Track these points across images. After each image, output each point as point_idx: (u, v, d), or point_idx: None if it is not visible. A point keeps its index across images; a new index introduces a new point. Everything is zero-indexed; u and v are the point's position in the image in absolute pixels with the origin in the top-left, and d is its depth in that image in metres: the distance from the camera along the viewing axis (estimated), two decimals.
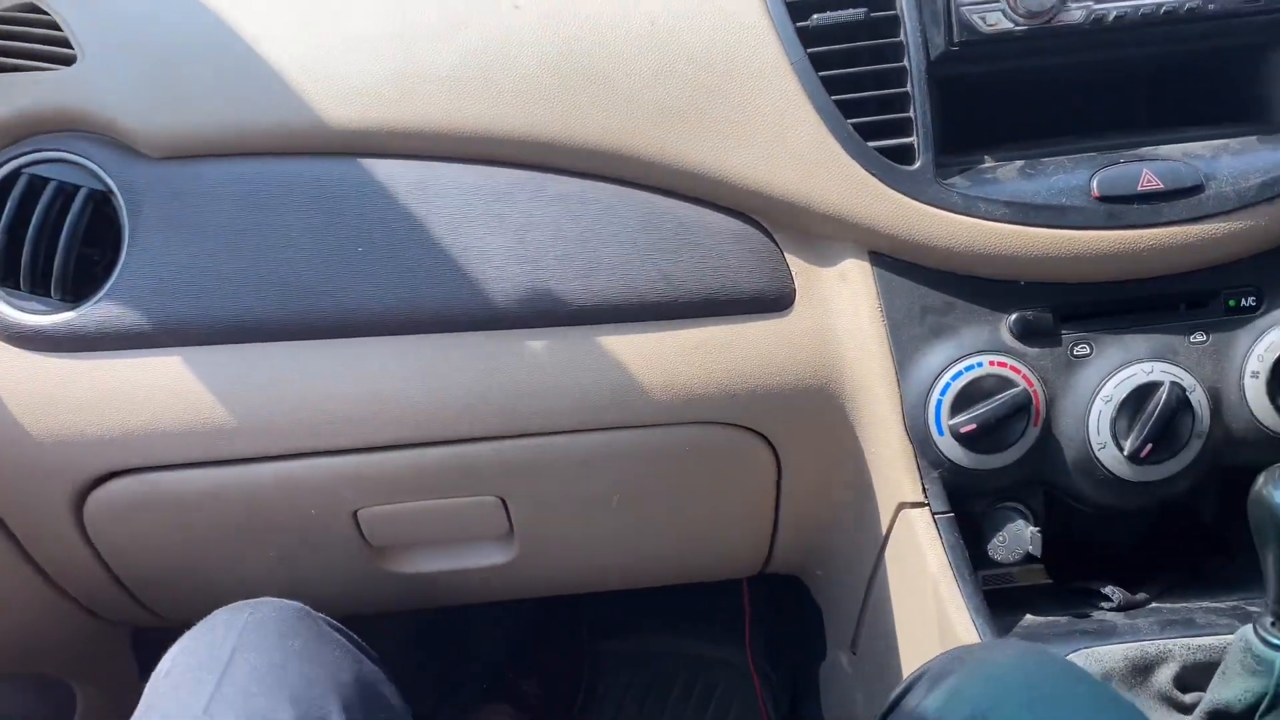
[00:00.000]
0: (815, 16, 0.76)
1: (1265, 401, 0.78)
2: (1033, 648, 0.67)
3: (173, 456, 0.81)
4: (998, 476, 0.79)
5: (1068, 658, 0.73)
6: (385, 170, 0.79)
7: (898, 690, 0.68)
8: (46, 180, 0.79)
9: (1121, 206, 0.75)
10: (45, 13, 0.83)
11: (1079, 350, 0.78)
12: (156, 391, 0.78)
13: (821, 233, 0.79)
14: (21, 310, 0.78)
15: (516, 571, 0.96)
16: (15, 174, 0.79)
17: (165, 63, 0.80)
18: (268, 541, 0.89)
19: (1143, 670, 0.75)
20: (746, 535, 0.96)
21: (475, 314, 0.78)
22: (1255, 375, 0.78)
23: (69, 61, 0.80)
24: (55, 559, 0.90)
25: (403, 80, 0.78)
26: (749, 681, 1.39)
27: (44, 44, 0.81)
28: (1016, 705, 0.59)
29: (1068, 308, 0.78)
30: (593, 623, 1.45)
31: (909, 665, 0.86)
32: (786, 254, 0.80)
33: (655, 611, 1.43)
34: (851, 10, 0.76)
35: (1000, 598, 0.84)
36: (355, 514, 0.87)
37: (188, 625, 0.70)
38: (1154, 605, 0.82)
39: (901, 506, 0.81)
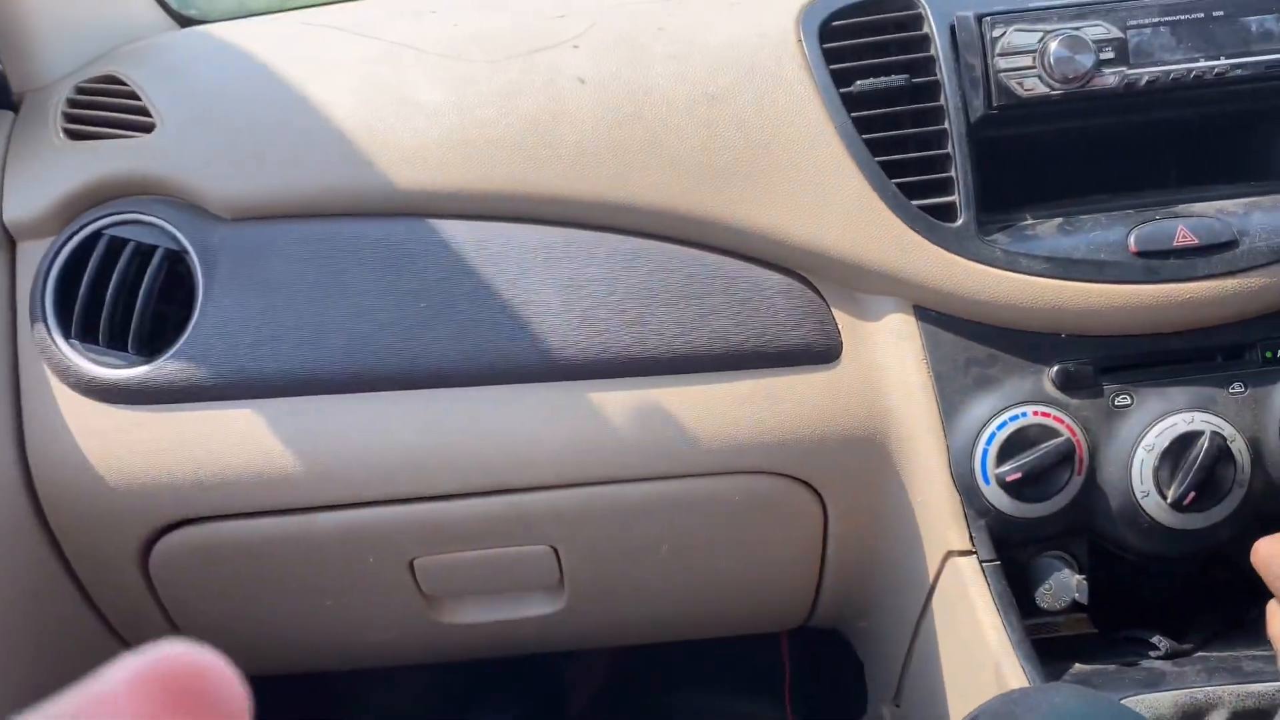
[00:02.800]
0: (859, 83, 0.80)
1: None
2: (1088, 692, 0.68)
3: (238, 505, 0.83)
4: (1043, 525, 0.81)
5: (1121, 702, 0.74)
6: (446, 230, 0.82)
7: None
8: (126, 241, 0.83)
9: (1158, 261, 0.78)
10: (125, 84, 0.88)
11: (1120, 401, 0.80)
12: (225, 442, 0.81)
13: (867, 288, 0.82)
14: (99, 364, 0.82)
15: (564, 622, 0.98)
16: (97, 235, 0.83)
17: (237, 130, 0.85)
18: (325, 590, 0.91)
19: (1193, 717, 0.75)
20: (793, 585, 0.98)
21: (531, 366, 0.81)
22: None
23: (148, 129, 0.85)
24: (119, 607, 0.92)
25: (463, 145, 0.82)
26: None
27: (124, 113, 0.86)
28: None
29: (1108, 360, 0.80)
30: (628, 678, 1.45)
31: (956, 715, 0.87)
32: (833, 308, 0.83)
33: (691, 666, 1.43)
34: (894, 77, 0.80)
35: (1046, 647, 0.84)
36: (411, 563, 0.89)
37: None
38: (1200, 654, 0.83)
39: (949, 555, 0.83)
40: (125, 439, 0.82)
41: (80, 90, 0.89)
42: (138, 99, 0.87)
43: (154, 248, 0.83)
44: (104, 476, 0.82)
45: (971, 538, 0.81)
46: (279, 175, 0.84)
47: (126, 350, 0.82)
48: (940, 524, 0.82)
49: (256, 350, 0.82)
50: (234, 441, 0.82)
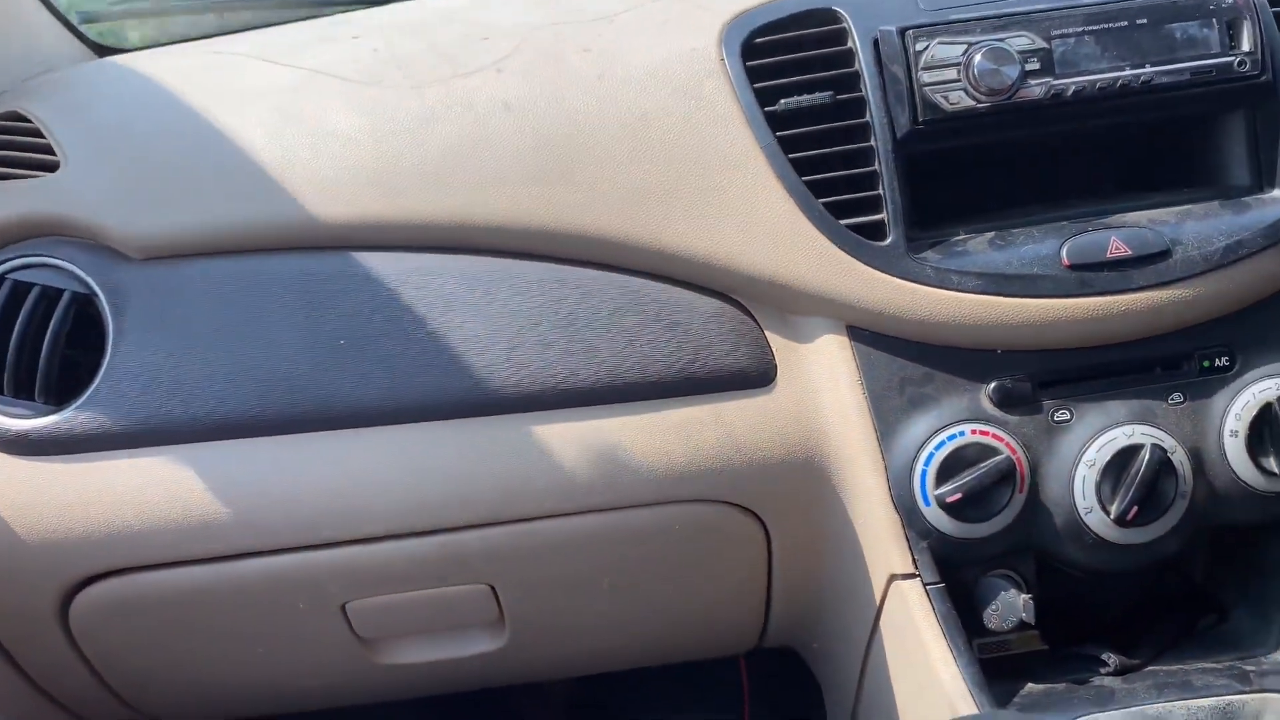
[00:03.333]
0: (783, 101, 0.78)
1: (1245, 459, 0.78)
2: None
3: (158, 556, 0.80)
4: (987, 544, 0.80)
5: None
6: (366, 263, 0.80)
7: None
8: (30, 285, 0.79)
9: (1092, 274, 0.76)
10: (29, 120, 0.84)
11: (1059, 416, 0.79)
12: (142, 491, 0.78)
13: (799, 309, 0.80)
14: (4, 415, 0.79)
15: (508, 658, 0.95)
16: None
17: (146, 166, 0.82)
18: (255, 637, 0.88)
19: None
20: (740, 611, 0.96)
21: (459, 402, 0.79)
22: (1234, 434, 0.79)
23: (52, 168, 0.82)
24: (40, 663, 0.89)
25: (381, 174, 0.80)
26: None
27: (28, 151, 0.82)
28: None
29: (1046, 375, 0.79)
30: (586, 703, 1.43)
31: None
32: (766, 331, 0.81)
33: (650, 690, 1.41)
34: (818, 94, 0.78)
35: (997, 666, 0.83)
36: (343, 607, 0.86)
37: None
38: (1150, 668, 0.82)
39: (893, 578, 0.81)
40: (36, 491, 0.78)
41: None
42: (42, 136, 0.83)
43: (61, 291, 0.80)
44: (15, 531, 0.78)
45: (915, 560, 0.80)
46: (190, 212, 0.81)
47: (34, 399, 0.79)
48: (882, 547, 0.81)
49: (171, 395, 0.79)
50: (151, 491, 0.78)
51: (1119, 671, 0.82)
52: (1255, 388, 0.79)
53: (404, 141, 0.80)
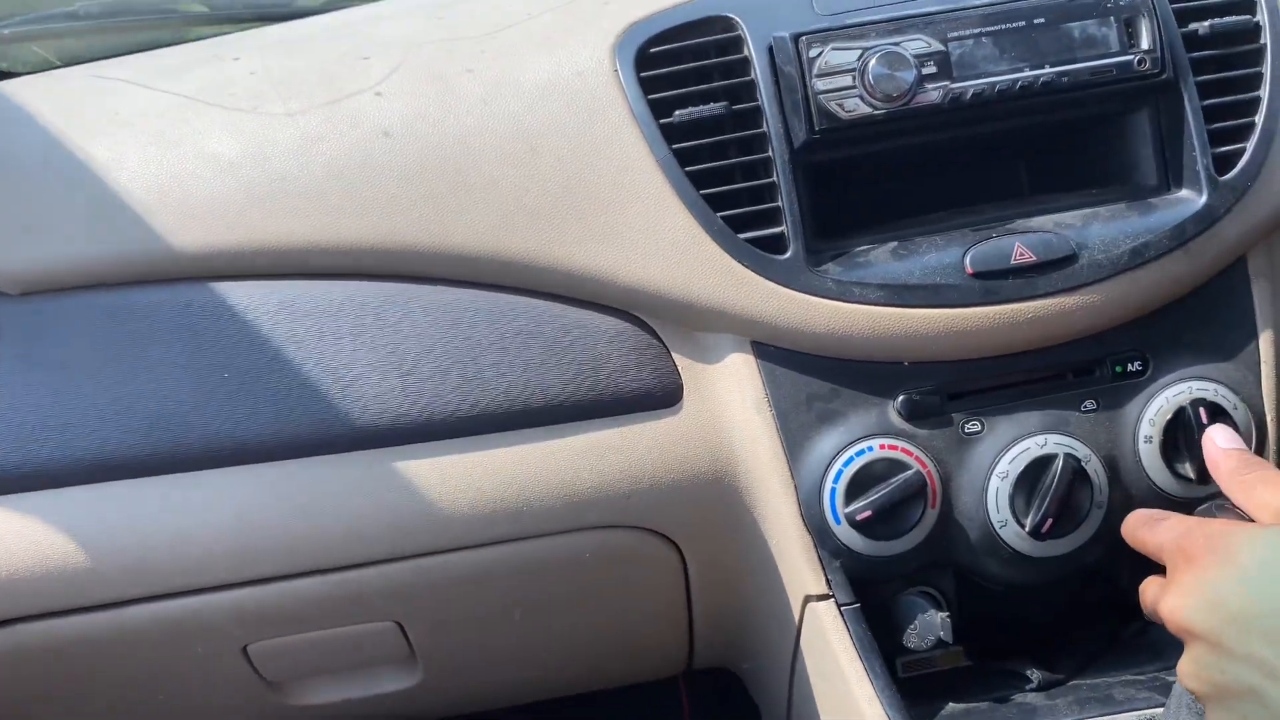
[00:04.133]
0: (677, 112, 0.76)
1: (1161, 465, 0.77)
2: None
3: (39, 606, 0.76)
4: (902, 562, 0.78)
5: None
6: (247, 293, 0.76)
7: None
8: None
9: (996, 281, 0.75)
10: None
11: (970, 428, 0.77)
12: (17, 538, 0.75)
13: (703, 326, 0.78)
14: None
15: (426, 693, 0.92)
16: None
17: (18, 196, 0.78)
18: (154, 684, 0.85)
19: None
20: (662, 635, 0.93)
21: (349, 434, 0.76)
22: (1149, 440, 0.77)
23: None
24: None
25: (262, 199, 0.77)
26: None
27: None
28: None
29: (954, 386, 0.77)
30: None
31: None
32: (671, 350, 0.79)
33: (586, 715, 1.38)
34: (714, 104, 0.76)
35: (922, 684, 0.81)
36: (245, 649, 0.83)
37: None
38: (1073, 682, 0.80)
39: (808, 599, 0.79)
40: None
41: None
42: None
43: None
44: None
45: (828, 580, 0.78)
46: (64, 244, 0.77)
47: None
48: (796, 568, 0.78)
49: (48, 435, 0.75)
50: (28, 536, 0.75)
51: (1042, 687, 0.80)
52: (1169, 392, 0.77)
53: (284, 165, 0.77)
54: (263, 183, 0.77)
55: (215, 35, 1.00)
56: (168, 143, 0.79)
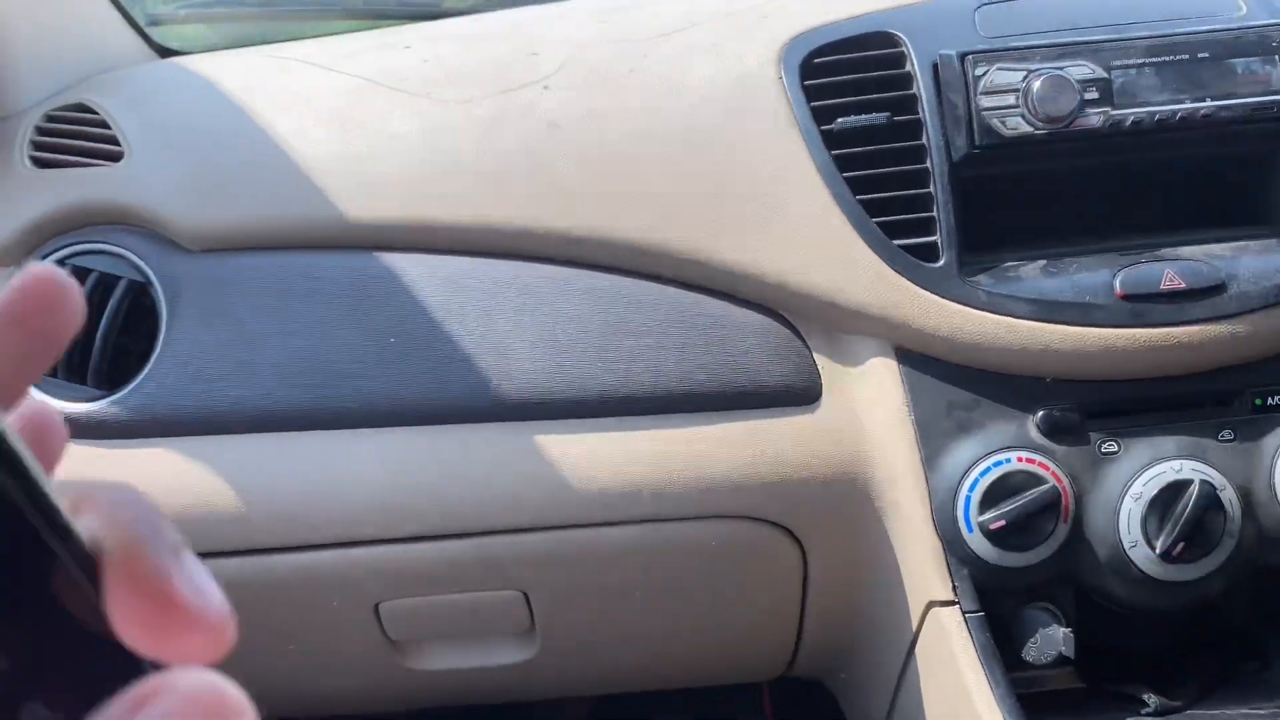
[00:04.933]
0: (840, 120, 0.79)
1: None
2: None
3: (196, 546, 0.80)
4: (1028, 575, 0.78)
5: None
6: (416, 264, 0.80)
7: None
8: (89, 271, 0.80)
9: (1145, 305, 0.76)
10: (96, 112, 0.86)
11: (1107, 448, 0.78)
12: (181, 480, 0.79)
13: (848, 328, 0.80)
14: (56, 398, 0.79)
15: (537, 670, 0.94)
16: (59, 265, 0.81)
17: (207, 162, 0.83)
18: (287, 633, 0.88)
19: None
20: (771, 635, 0.95)
21: (502, 406, 0.79)
22: None
23: (117, 158, 0.83)
24: None
25: (436, 177, 0.81)
26: None
27: (94, 141, 0.84)
28: None
29: (1095, 405, 0.78)
30: None
31: None
32: (813, 349, 0.81)
33: (671, 716, 1.39)
34: (875, 114, 0.78)
35: (1032, 702, 0.81)
36: (376, 607, 0.86)
37: None
38: (1190, 711, 0.80)
39: (931, 605, 0.80)
40: (80, 474, 0.79)
41: (50, 118, 0.87)
42: (107, 127, 0.85)
43: (118, 279, 0.81)
44: None
45: (955, 587, 0.79)
46: (247, 207, 0.82)
47: (85, 384, 0.80)
48: (922, 573, 0.80)
49: (219, 385, 0.79)
50: (192, 479, 0.79)
51: (1158, 713, 0.80)
52: None
53: (461, 147, 0.81)
54: (438, 163, 0.81)
55: (371, 29, 1.06)
56: (348, 120, 0.83)
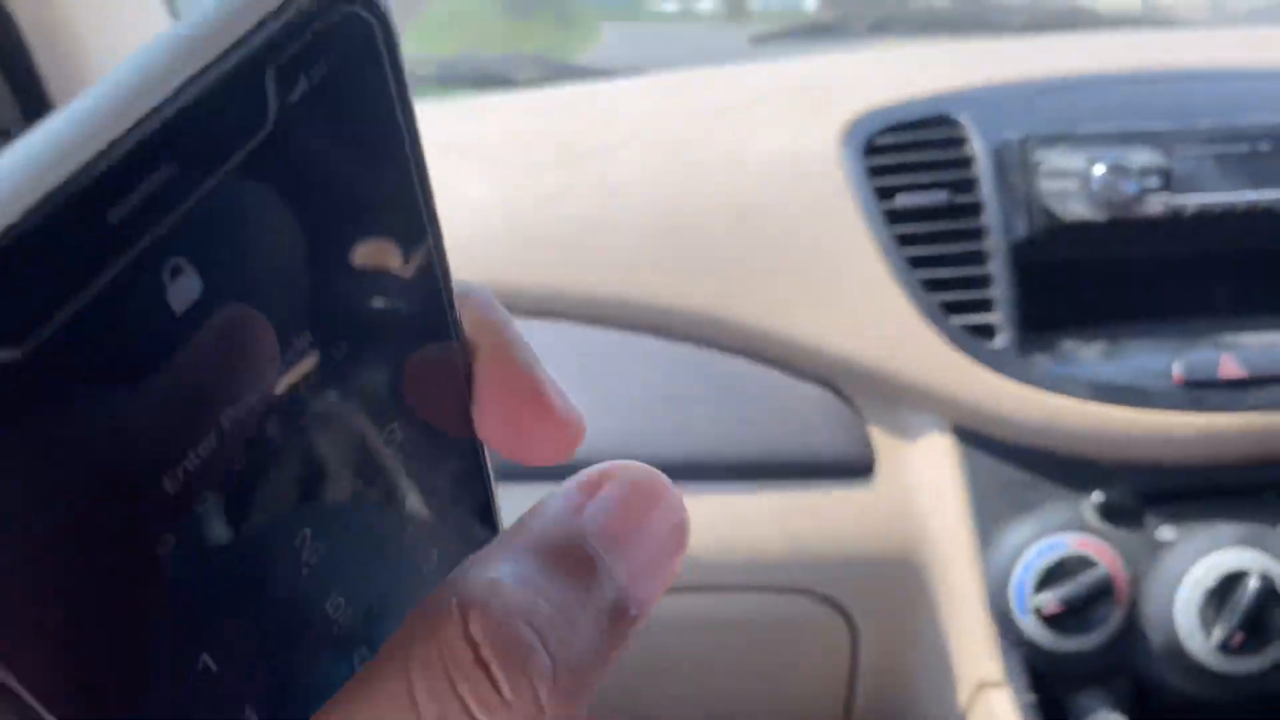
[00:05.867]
0: (900, 198, 0.80)
1: None
2: None
3: None
4: (1081, 660, 0.77)
5: None
6: None
7: None
8: None
9: (1204, 391, 0.76)
10: None
11: (1164, 534, 0.78)
12: None
13: (905, 404, 0.81)
14: None
15: None
16: None
17: None
18: None
19: None
20: (820, 712, 0.94)
21: (558, 470, 0.80)
22: None
23: None
24: None
25: (507, 242, 0.83)
26: None
27: None
28: None
29: (1153, 490, 0.78)
30: None
31: None
32: (869, 424, 0.82)
33: None
34: (934, 194, 0.80)
35: None
36: None
37: None
38: None
39: (982, 686, 0.79)
40: None
41: None
42: None
43: None
44: None
45: (1006, 670, 0.78)
46: None
47: None
48: (974, 654, 0.79)
49: None
50: None
51: None
52: None
53: (532, 214, 0.83)
54: (507, 228, 0.83)
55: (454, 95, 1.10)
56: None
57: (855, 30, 1.16)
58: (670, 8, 1.54)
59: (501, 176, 0.86)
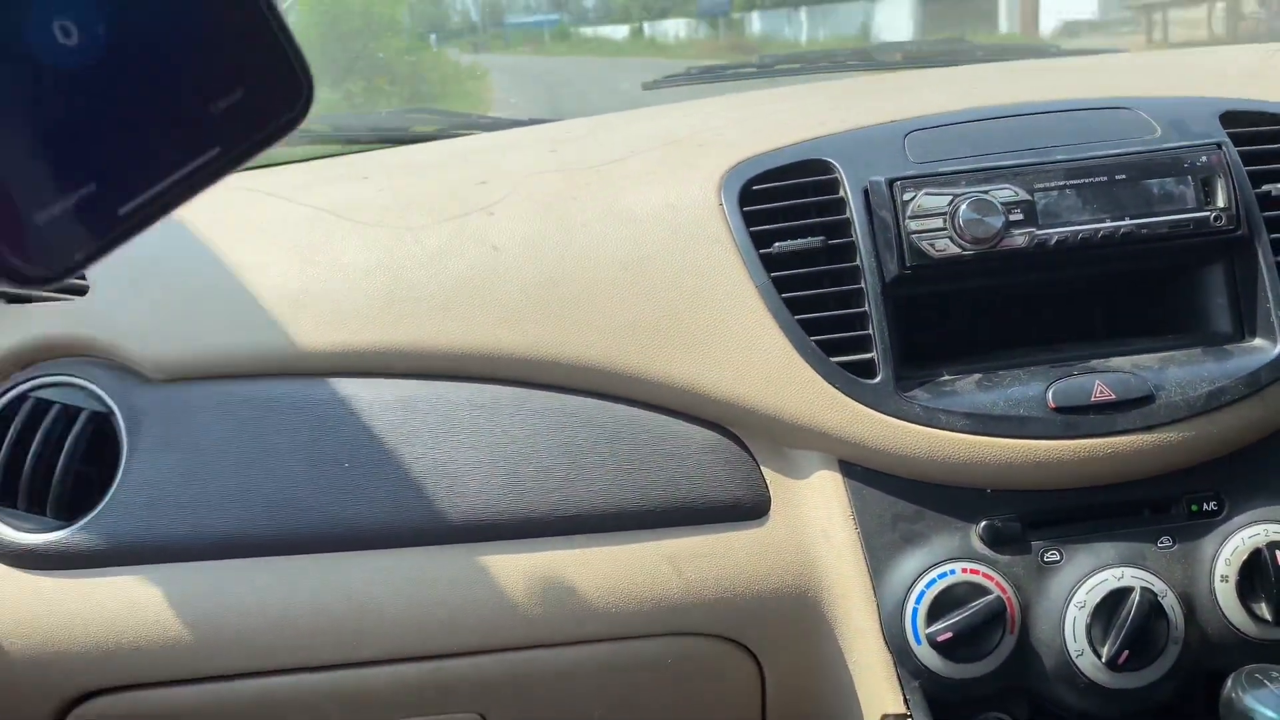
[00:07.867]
0: (777, 244, 0.82)
1: (1236, 605, 0.78)
2: None
3: (155, 674, 0.81)
4: (978, 685, 0.79)
5: None
6: (370, 389, 0.83)
7: None
8: (50, 403, 0.82)
9: (1077, 417, 0.78)
10: None
11: (1049, 557, 0.80)
12: (141, 609, 0.79)
13: (793, 443, 0.82)
14: (16, 529, 0.81)
15: None
16: (22, 398, 0.83)
17: (169, 294, 0.86)
18: None
19: None
20: None
21: (454, 527, 0.80)
22: (1225, 579, 0.79)
23: (81, 292, 0.86)
24: None
25: (393, 304, 0.84)
26: None
27: None
28: None
29: (1035, 515, 0.80)
30: None
31: None
32: (761, 465, 0.83)
33: None
34: (811, 238, 0.82)
35: None
36: None
37: None
38: None
39: (885, 718, 0.80)
40: (39, 606, 0.80)
41: None
42: None
43: (80, 410, 0.83)
44: (14, 645, 0.79)
45: (906, 700, 0.79)
46: (208, 338, 0.84)
47: (44, 514, 0.81)
48: (875, 686, 0.80)
49: (178, 513, 0.81)
50: (148, 608, 0.80)
51: None
52: (1244, 533, 0.79)
53: (416, 275, 0.84)
54: (389, 290, 0.84)
55: (339, 155, 1.10)
56: (307, 250, 0.86)
57: (744, 72, 1.19)
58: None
59: (382, 239, 0.87)
